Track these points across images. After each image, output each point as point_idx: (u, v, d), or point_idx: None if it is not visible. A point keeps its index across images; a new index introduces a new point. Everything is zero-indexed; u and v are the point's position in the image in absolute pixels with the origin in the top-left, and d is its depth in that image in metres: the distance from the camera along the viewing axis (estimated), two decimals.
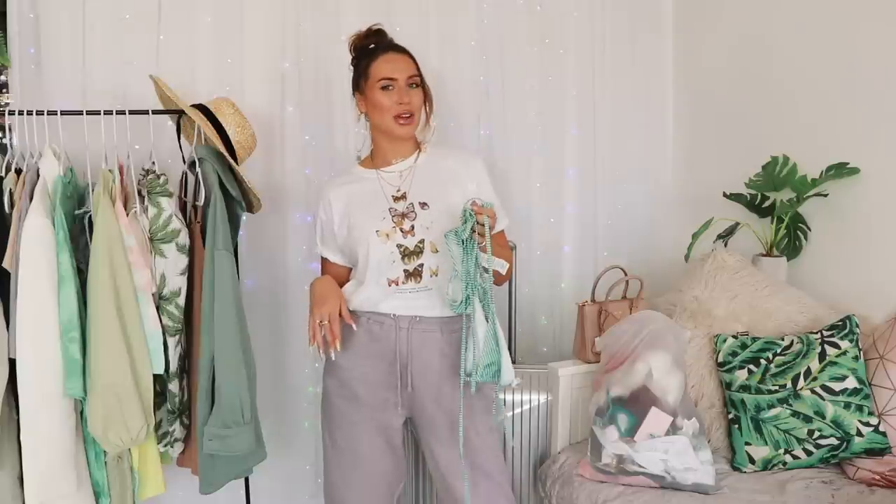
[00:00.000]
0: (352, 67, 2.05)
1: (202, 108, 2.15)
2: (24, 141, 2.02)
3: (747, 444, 2.11)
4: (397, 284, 1.93)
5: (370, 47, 2.01)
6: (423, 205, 1.95)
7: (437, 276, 1.93)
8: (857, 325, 2.13)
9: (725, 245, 2.58)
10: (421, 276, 1.93)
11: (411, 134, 2.01)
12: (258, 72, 2.52)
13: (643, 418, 2.03)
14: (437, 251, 1.92)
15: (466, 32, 2.71)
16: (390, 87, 1.95)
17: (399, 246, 1.92)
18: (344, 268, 2.07)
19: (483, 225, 1.78)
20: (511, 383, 1.87)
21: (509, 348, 2.66)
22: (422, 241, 1.93)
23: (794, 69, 2.50)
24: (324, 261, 2.10)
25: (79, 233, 1.98)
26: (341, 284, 2.04)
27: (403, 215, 1.94)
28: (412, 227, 1.93)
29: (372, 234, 1.93)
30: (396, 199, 1.97)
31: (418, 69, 2.00)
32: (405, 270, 1.92)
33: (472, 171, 2.04)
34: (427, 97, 2.03)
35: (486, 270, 1.82)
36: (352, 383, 1.98)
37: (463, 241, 1.79)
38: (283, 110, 2.56)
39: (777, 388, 2.11)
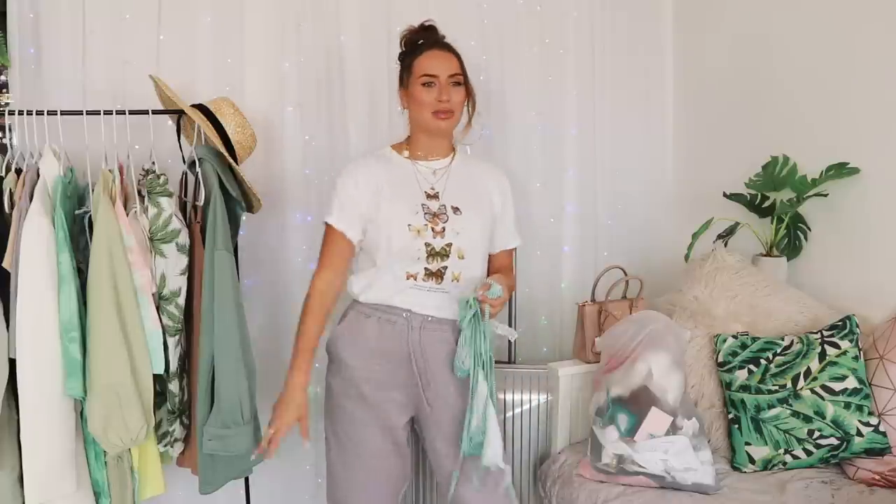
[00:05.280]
0: (399, 62, 2.04)
1: (202, 108, 2.15)
2: (24, 141, 2.02)
3: (747, 444, 2.11)
4: (415, 279, 1.93)
5: (418, 43, 2.01)
6: (456, 209, 1.96)
7: (458, 281, 1.95)
8: (857, 325, 2.13)
9: (725, 245, 2.58)
10: (442, 279, 1.94)
11: (450, 130, 2.00)
12: (258, 72, 2.52)
13: (643, 418, 2.03)
14: (464, 258, 1.94)
15: (466, 32, 2.70)
16: (431, 84, 1.95)
17: (427, 245, 1.93)
18: (349, 245, 1.97)
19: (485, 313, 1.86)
20: (493, 465, 1.89)
21: (509, 350, 2.67)
22: (449, 245, 1.93)
23: (795, 69, 2.50)
24: (331, 233, 1.98)
25: (79, 233, 1.98)
26: (343, 268, 1.98)
27: (436, 215, 1.95)
28: (443, 228, 1.94)
29: (404, 227, 1.92)
30: (430, 196, 1.97)
31: (462, 67, 2.00)
32: (426, 268, 1.93)
33: (500, 186, 2.07)
34: (470, 96, 2.02)
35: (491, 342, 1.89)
36: (358, 382, 1.97)
37: (470, 319, 1.86)
38: (283, 110, 2.56)
39: (777, 388, 2.11)
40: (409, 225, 1.92)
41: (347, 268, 2.02)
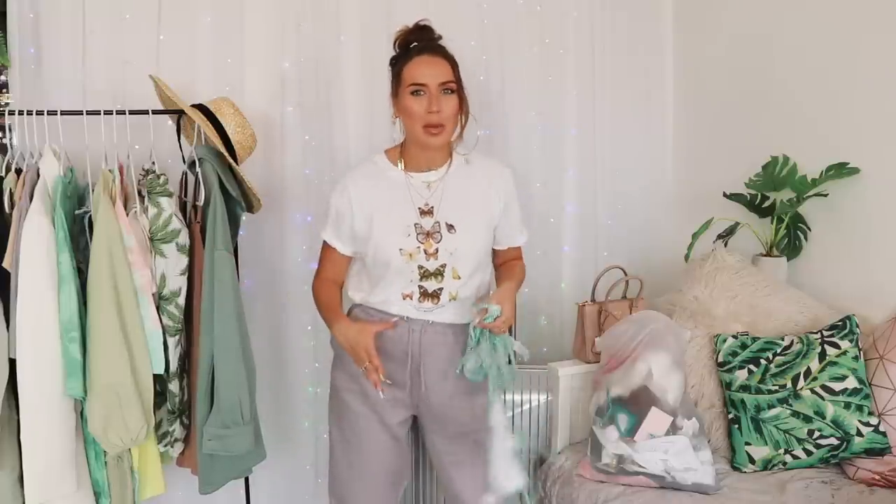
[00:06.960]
0: (390, 67, 1.92)
1: (202, 108, 2.15)
2: (24, 141, 2.02)
3: (747, 444, 2.11)
4: (411, 299, 1.90)
5: (411, 46, 1.87)
6: (451, 227, 1.90)
7: (455, 299, 1.91)
8: (857, 325, 2.14)
9: (725, 245, 2.58)
10: (439, 299, 1.91)
11: (442, 145, 1.88)
12: (258, 72, 2.51)
13: (643, 418, 2.03)
14: (460, 277, 1.90)
15: (466, 32, 2.70)
16: (421, 93, 1.82)
17: (420, 267, 1.88)
18: (346, 258, 2.00)
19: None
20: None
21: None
22: (443, 266, 1.89)
23: (795, 69, 2.50)
24: (326, 248, 2.01)
25: (79, 233, 1.98)
26: (342, 275, 2.01)
27: (429, 234, 1.89)
28: (437, 250, 1.88)
29: (395, 252, 1.87)
30: (423, 213, 1.90)
31: (455, 73, 1.86)
32: (421, 287, 1.89)
33: (500, 187, 1.96)
34: (462, 104, 1.87)
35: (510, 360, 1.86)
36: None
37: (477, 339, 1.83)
38: (282, 110, 2.55)
39: (777, 388, 2.11)
40: (400, 249, 1.87)
41: (345, 275, 2.04)
